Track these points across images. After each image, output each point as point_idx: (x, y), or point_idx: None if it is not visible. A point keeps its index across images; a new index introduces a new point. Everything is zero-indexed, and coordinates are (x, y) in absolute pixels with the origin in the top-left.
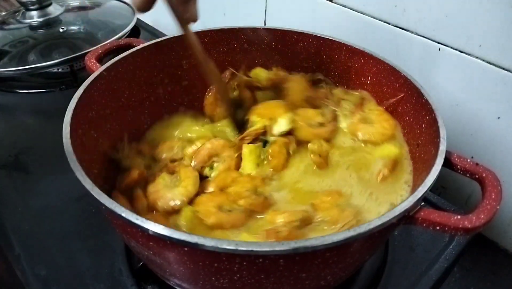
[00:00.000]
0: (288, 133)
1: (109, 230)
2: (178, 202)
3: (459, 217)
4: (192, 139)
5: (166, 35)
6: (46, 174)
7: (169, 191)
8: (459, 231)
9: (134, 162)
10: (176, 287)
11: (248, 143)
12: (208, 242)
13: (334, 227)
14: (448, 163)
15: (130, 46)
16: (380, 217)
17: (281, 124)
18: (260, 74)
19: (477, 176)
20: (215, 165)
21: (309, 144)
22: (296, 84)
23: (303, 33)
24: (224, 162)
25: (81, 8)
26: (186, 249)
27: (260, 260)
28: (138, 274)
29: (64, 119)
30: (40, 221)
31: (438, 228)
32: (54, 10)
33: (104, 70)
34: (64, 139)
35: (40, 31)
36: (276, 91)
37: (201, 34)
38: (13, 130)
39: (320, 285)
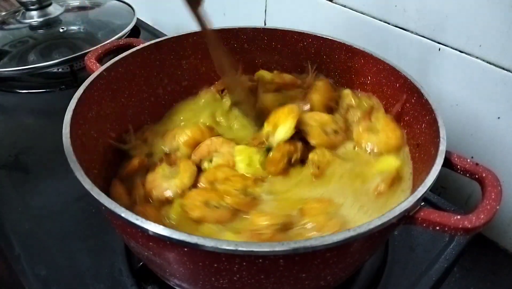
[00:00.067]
0: (301, 138)
1: (109, 230)
2: (171, 193)
3: (459, 217)
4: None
5: (166, 35)
6: (46, 174)
7: (165, 181)
8: (459, 231)
9: (139, 151)
10: (176, 287)
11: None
12: (208, 242)
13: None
14: (448, 163)
15: (130, 46)
16: (380, 217)
17: (280, 133)
18: (265, 75)
19: (477, 176)
20: (214, 159)
21: (310, 154)
22: (320, 90)
23: (303, 33)
24: (223, 156)
25: (81, 8)
26: (185, 249)
27: (260, 260)
28: (138, 274)
29: (64, 119)
30: (40, 221)
31: (438, 228)
32: (54, 10)
33: (104, 70)
34: (64, 139)
35: (40, 31)
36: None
37: (201, 34)
38: (13, 130)
39: (320, 285)
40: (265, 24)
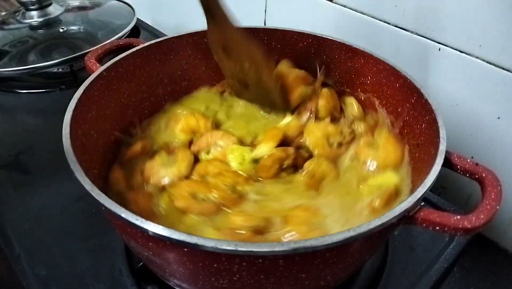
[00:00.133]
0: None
1: (109, 230)
2: (168, 181)
3: (459, 217)
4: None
5: (166, 35)
6: (46, 174)
7: (163, 169)
8: (459, 231)
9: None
10: (176, 287)
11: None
12: (208, 242)
13: None
14: (448, 163)
15: (130, 46)
16: (380, 217)
17: (261, 150)
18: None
19: (477, 176)
20: (212, 151)
21: (306, 162)
22: (327, 97)
23: (303, 33)
24: (221, 150)
25: (81, 8)
26: (185, 249)
27: (260, 260)
28: (138, 274)
29: (64, 120)
30: (40, 221)
31: (438, 228)
32: (54, 10)
33: (104, 70)
34: (64, 140)
35: (40, 31)
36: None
37: (201, 34)
38: (13, 130)
39: (320, 285)
40: (265, 24)
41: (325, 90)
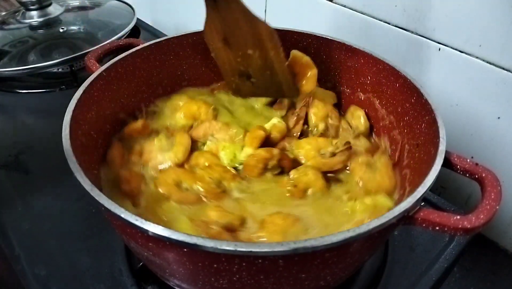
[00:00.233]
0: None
1: (109, 230)
2: (164, 166)
3: (458, 217)
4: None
5: (166, 35)
6: (46, 174)
7: (161, 154)
8: (459, 231)
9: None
10: (176, 288)
11: None
12: (207, 243)
13: None
14: (447, 163)
15: (130, 46)
16: (379, 217)
17: (245, 152)
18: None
19: (476, 176)
20: (208, 142)
21: (292, 170)
22: (316, 107)
23: (303, 33)
24: (216, 142)
25: (81, 8)
26: (185, 249)
27: (260, 260)
28: (138, 274)
29: (63, 120)
30: (40, 221)
31: (437, 228)
32: (54, 10)
33: (104, 70)
34: (63, 140)
35: (40, 31)
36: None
37: (201, 35)
38: (13, 130)
39: (319, 285)
40: None
41: (317, 100)
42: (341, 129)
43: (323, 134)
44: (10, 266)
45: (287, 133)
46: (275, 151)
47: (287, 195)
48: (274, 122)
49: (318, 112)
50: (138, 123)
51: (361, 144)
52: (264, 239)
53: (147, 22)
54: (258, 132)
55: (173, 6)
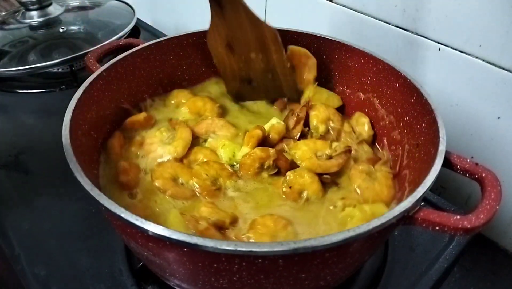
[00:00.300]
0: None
1: (109, 230)
2: (164, 160)
3: (458, 217)
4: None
5: (166, 35)
6: (46, 174)
7: (161, 147)
8: (459, 231)
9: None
10: (176, 287)
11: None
12: (207, 242)
13: None
14: (447, 163)
15: (130, 46)
16: (379, 217)
17: (242, 152)
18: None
19: (476, 176)
20: (209, 140)
21: (288, 172)
22: (318, 109)
23: (303, 33)
24: (217, 139)
25: (81, 8)
26: (185, 249)
27: (260, 260)
28: (138, 274)
29: (63, 120)
30: (40, 221)
31: (437, 228)
32: (54, 10)
33: (104, 70)
34: (63, 140)
35: (40, 31)
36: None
37: (201, 35)
38: (13, 130)
39: (319, 285)
40: None
41: (319, 103)
42: (343, 133)
43: (324, 137)
44: (10, 266)
45: (287, 135)
46: (271, 151)
47: (282, 196)
48: (273, 123)
49: (319, 114)
50: (140, 116)
51: (363, 151)
52: (252, 240)
53: (147, 22)
54: (256, 132)
55: (173, 6)
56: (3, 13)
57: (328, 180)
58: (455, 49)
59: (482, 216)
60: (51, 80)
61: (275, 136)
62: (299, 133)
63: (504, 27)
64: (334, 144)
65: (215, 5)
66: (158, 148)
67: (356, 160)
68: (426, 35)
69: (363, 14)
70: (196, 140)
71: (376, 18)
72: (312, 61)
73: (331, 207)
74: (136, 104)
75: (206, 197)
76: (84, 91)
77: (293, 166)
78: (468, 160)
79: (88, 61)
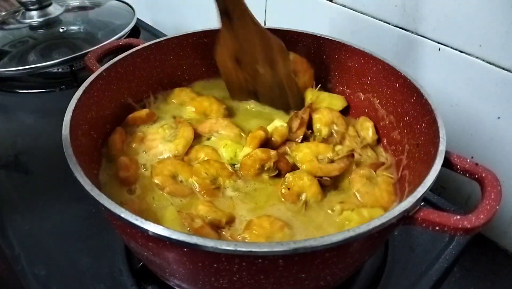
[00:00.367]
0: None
1: (109, 230)
2: (164, 157)
3: (458, 217)
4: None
5: (166, 35)
6: (46, 174)
7: (162, 144)
8: (459, 231)
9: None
10: (176, 287)
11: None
12: (207, 242)
13: None
14: (447, 163)
15: (130, 46)
16: (379, 217)
17: (243, 152)
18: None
19: (476, 176)
20: (213, 138)
21: (288, 173)
22: (321, 113)
23: (303, 33)
24: (220, 138)
25: (81, 8)
26: (185, 249)
27: (260, 260)
28: (138, 274)
29: (63, 120)
30: (40, 221)
31: (437, 228)
32: (54, 10)
33: (104, 70)
34: (63, 140)
35: (40, 31)
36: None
37: (201, 34)
38: (13, 130)
39: (319, 285)
40: (265, 24)
41: (323, 106)
42: (347, 137)
43: (327, 140)
44: (10, 266)
45: (290, 137)
46: (273, 152)
47: (281, 198)
48: (276, 125)
49: (323, 117)
50: (143, 112)
51: (367, 155)
52: (247, 241)
53: (147, 22)
54: (258, 133)
55: (173, 6)
56: (3, 13)
57: (328, 183)
58: (455, 49)
59: (482, 216)
60: (51, 80)
61: (278, 139)
62: (301, 136)
63: (504, 27)
64: (337, 148)
65: (225, 17)
66: (159, 145)
67: (359, 164)
68: (426, 35)
69: (363, 14)
70: (199, 139)
71: (376, 18)
72: (307, 65)
73: (329, 211)
74: (137, 102)
75: (205, 196)
76: (84, 91)
77: (294, 168)
78: (468, 160)
79: (88, 61)
